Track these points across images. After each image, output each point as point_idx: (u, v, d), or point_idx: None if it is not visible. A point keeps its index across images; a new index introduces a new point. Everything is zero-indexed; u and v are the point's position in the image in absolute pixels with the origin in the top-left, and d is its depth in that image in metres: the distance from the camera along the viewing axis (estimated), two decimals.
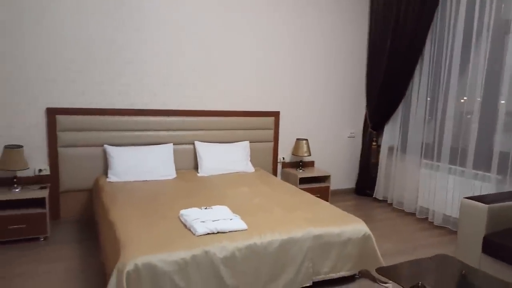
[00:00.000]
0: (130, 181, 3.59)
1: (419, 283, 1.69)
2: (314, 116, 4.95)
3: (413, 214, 4.49)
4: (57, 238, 3.32)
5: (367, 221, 4.07)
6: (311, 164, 4.97)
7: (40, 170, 3.60)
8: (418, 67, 4.47)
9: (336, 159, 5.17)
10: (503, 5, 3.60)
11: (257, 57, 4.48)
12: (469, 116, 3.90)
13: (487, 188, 3.64)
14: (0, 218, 3.12)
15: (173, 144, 4.05)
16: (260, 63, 4.51)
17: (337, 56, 4.95)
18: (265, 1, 4.41)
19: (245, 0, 4.30)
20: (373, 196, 5.03)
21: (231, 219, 2.55)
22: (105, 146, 3.74)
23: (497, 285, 1.94)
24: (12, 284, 2.58)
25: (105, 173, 3.74)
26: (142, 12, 3.85)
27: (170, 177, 3.79)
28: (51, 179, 3.62)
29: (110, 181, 3.56)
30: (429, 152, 4.35)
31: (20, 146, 3.30)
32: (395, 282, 1.75)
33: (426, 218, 4.31)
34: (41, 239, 3.26)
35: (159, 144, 3.99)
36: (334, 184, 5.11)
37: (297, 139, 4.67)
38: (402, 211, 4.60)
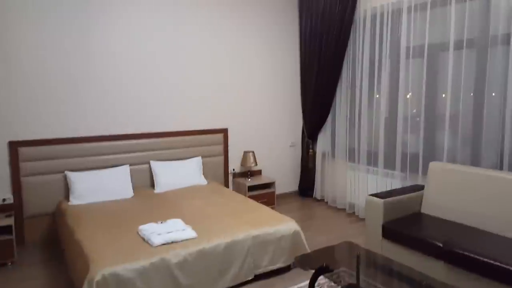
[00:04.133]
0: (91, 203, 3.90)
1: (323, 264, 2.26)
2: (259, 130, 5.52)
3: (343, 209, 5.18)
4: (24, 261, 3.56)
5: (306, 219, 4.72)
6: (258, 173, 5.52)
7: (4, 200, 3.85)
8: (338, 85, 5.22)
9: (281, 167, 5.78)
10: (397, 36, 4.36)
11: (204, 81, 4.97)
12: (377, 123, 4.63)
13: (394, 184, 4.35)
14: None
15: (131, 165, 4.42)
16: (207, 86, 5.00)
17: (275, 76, 5.56)
18: (206, 27, 4.90)
19: (186, 24, 4.75)
20: (313, 197, 5.69)
21: (183, 230, 3.03)
22: (66, 172, 4.04)
23: (382, 260, 2.58)
24: None
25: (67, 197, 4.05)
26: (91, 45, 4.20)
27: (128, 196, 4.15)
28: (15, 207, 3.87)
29: (72, 204, 3.86)
30: (352, 155, 5.07)
31: None
32: (308, 266, 2.31)
33: (354, 213, 5.02)
34: (9, 264, 3.51)
35: (117, 166, 4.35)
36: (280, 189, 5.71)
37: (245, 152, 5.20)
38: (335, 207, 5.28)
